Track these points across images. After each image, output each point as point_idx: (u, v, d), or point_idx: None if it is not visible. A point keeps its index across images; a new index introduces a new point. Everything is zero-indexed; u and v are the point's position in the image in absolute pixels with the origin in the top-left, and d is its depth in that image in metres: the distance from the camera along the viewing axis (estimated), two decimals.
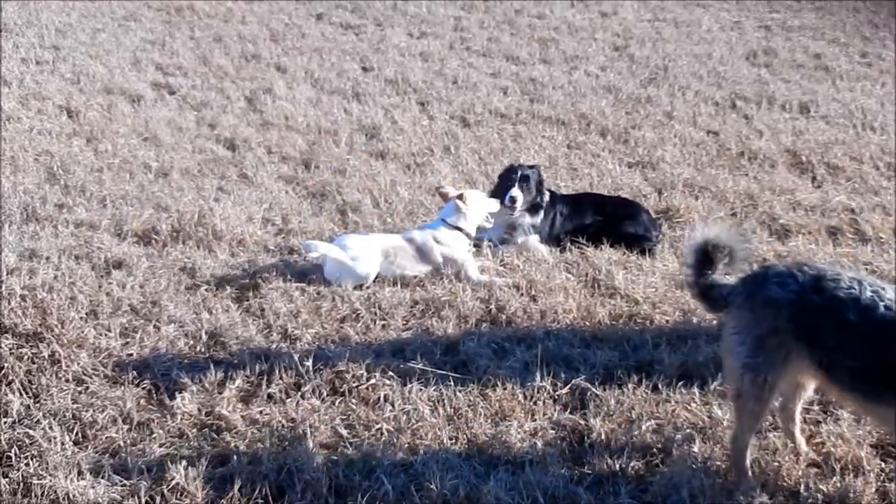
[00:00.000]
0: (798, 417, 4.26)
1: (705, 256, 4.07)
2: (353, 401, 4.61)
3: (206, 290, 5.62)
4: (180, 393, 4.59)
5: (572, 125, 8.98)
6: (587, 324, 5.38)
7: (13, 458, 4.11)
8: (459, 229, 6.10)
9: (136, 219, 6.48)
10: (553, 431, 4.42)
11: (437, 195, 6.55)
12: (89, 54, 10.77)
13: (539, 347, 4.99)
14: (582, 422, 4.47)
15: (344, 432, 4.36)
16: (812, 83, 10.65)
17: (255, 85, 9.95)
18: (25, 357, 4.80)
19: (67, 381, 4.67)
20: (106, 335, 5.05)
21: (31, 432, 4.24)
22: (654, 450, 4.26)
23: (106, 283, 5.59)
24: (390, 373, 4.77)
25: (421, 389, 4.66)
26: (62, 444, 4.19)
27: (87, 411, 4.42)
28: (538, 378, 4.72)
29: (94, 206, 6.78)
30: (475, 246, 6.27)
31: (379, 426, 4.40)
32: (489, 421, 4.48)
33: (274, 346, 5.09)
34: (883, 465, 4.17)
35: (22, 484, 3.98)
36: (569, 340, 5.17)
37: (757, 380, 3.82)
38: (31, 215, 6.57)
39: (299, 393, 4.66)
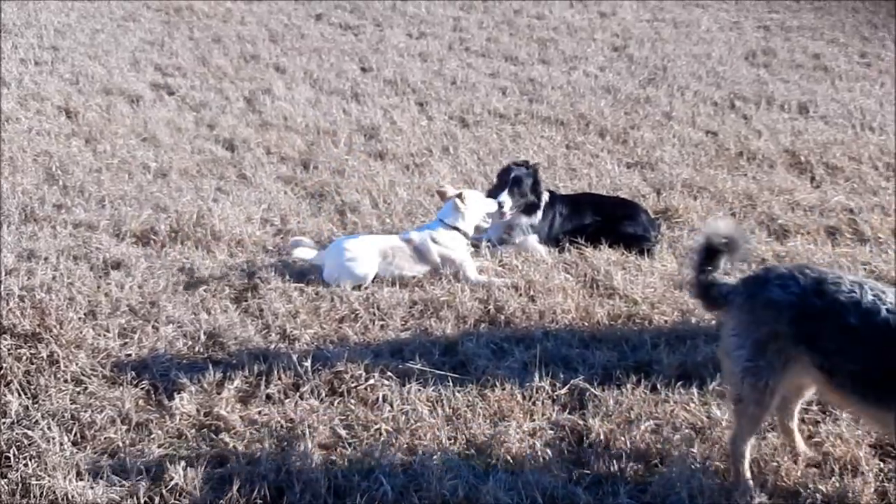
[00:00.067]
0: (797, 417, 4.25)
1: (711, 250, 4.05)
2: (352, 401, 4.61)
3: (204, 290, 5.62)
4: (179, 393, 4.59)
5: (571, 125, 8.98)
6: (586, 324, 5.37)
7: (12, 458, 4.11)
8: (457, 229, 6.10)
9: (135, 219, 6.48)
10: (552, 432, 4.41)
11: (435, 195, 6.55)
12: (88, 55, 10.77)
13: (538, 348, 4.99)
14: (581, 422, 4.47)
15: (343, 433, 4.36)
16: (811, 83, 10.65)
17: (254, 85, 9.95)
18: (24, 357, 4.80)
19: (66, 381, 4.67)
20: (104, 335, 5.05)
21: (29, 433, 4.24)
22: (653, 450, 4.26)
23: (104, 284, 5.59)
24: (389, 373, 4.77)
25: (419, 390, 4.66)
26: (61, 444, 4.19)
27: (85, 412, 4.41)
28: (537, 378, 4.72)
29: (93, 206, 6.78)
30: (474, 246, 6.28)
31: (377, 426, 4.39)
32: (488, 421, 4.48)
33: (272, 346, 5.09)
34: (881, 465, 4.17)
35: (20, 484, 3.98)
36: (567, 341, 5.17)
37: (757, 384, 3.80)
38: (30, 216, 6.57)
39: (298, 393, 4.65)
